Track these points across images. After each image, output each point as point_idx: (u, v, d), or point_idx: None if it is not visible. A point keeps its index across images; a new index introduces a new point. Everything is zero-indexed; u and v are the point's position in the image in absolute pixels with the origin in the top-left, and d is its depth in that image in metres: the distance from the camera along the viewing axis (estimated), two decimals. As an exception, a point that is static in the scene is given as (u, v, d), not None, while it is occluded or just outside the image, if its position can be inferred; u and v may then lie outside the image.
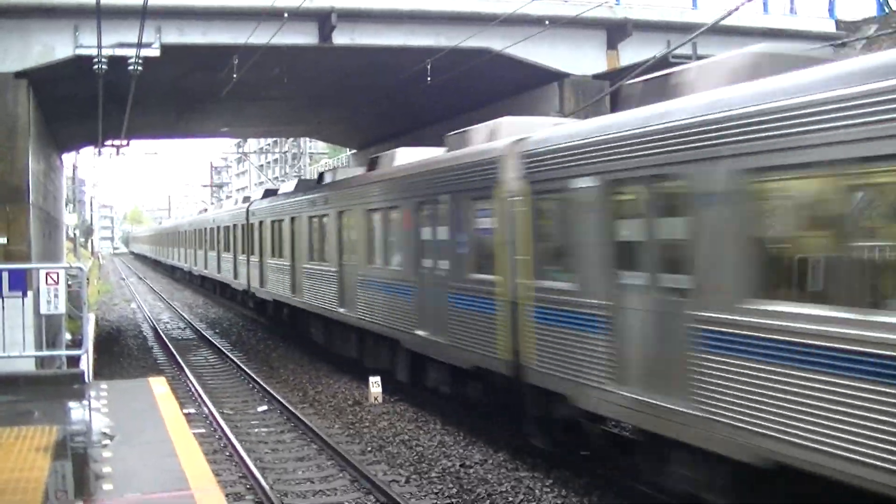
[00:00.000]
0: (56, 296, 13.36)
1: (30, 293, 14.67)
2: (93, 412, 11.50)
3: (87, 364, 14.23)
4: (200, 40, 22.85)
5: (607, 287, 11.41)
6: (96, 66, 21.14)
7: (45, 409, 11.75)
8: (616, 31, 24.70)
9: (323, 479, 14.10)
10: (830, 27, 27.14)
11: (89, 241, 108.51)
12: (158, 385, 13.49)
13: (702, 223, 9.77)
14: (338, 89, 30.45)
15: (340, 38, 23.22)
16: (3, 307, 13.11)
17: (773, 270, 9.26)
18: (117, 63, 21.45)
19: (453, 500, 12.80)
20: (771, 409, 8.71)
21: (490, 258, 14.78)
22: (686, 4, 26.39)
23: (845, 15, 28.30)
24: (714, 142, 9.53)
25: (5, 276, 13.02)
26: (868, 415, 7.71)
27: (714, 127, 9.53)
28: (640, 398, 10.72)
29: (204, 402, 19.82)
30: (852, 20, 28.18)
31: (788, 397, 8.51)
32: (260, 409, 19.74)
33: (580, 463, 13.67)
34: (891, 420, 7.50)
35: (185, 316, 41.88)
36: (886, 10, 28.91)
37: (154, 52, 21.86)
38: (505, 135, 15.03)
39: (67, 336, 26.78)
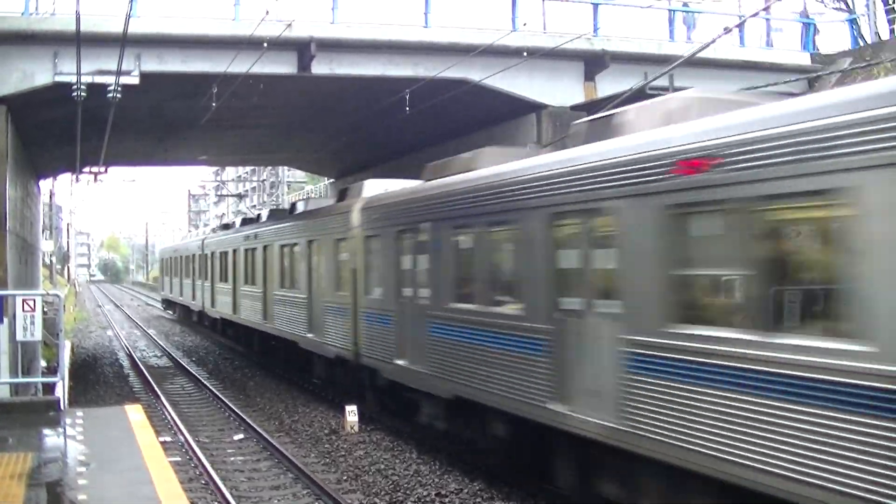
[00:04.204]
0: (32, 322, 13.36)
1: (6, 320, 14.65)
2: (68, 439, 11.49)
3: (62, 391, 14.21)
4: (180, 68, 22.91)
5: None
6: (75, 94, 21.15)
7: (20, 436, 11.72)
8: (594, 63, 24.87)
9: (299, 508, 14.09)
10: (806, 60, 27.42)
11: (66, 268, 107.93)
12: (134, 413, 13.49)
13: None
14: (316, 119, 30.54)
15: (319, 67, 23.32)
16: (-21, 334, 13.10)
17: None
18: (97, 90, 21.47)
19: (429, 529, 12.81)
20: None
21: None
22: (663, 37, 26.62)
23: (820, 48, 28.57)
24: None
25: (-19, 302, 13.01)
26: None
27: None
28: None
29: (180, 430, 19.76)
30: (827, 53, 28.45)
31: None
32: (236, 437, 19.69)
33: (557, 494, 13.70)
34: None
35: (162, 344, 41.72)
36: (860, 43, 29.25)
37: (133, 79, 21.90)
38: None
39: (43, 363, 26.71)
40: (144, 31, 21.30)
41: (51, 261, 70.89)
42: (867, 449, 7.61)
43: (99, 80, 21.48)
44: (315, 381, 25.33)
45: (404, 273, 17.73)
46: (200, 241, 44.78)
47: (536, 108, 24.64)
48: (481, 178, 14.67)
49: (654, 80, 19.88)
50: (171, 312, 61.29)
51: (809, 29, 28.30)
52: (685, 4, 28.13)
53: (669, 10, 26.88)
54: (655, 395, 10.02)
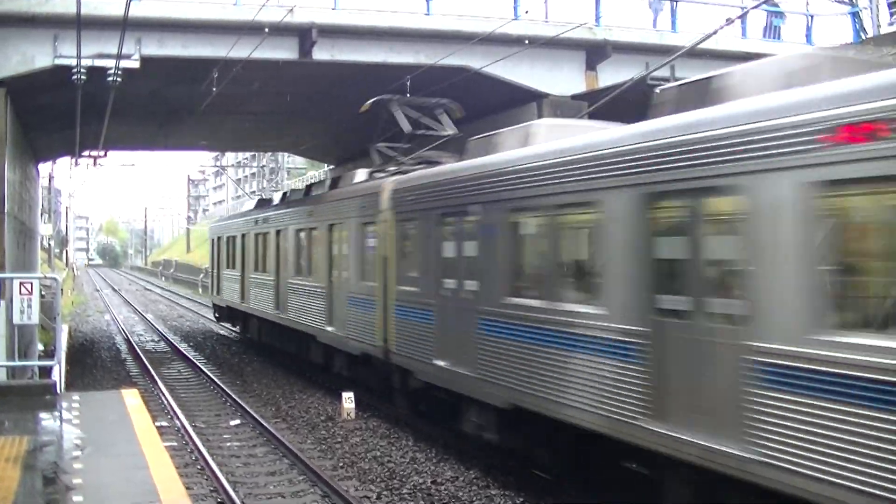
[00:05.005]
0: (29, 306, 13.34)
1: (2, 303, 14.63)
2: (64, 423, 11.48)
3: (59, 375, 14.21)
4: (181, 53, 22.85)
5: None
6: (75, 77, 21.09)
7: (16, 419, 11.71)
8: (595, 53, 24.81)
9: (294, 495, 14.08)
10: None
11: (64, 252, 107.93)
12: (131, 397, 13.47)
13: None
14: (317, 105, 30.49)
15: (320, 53, 23.27)
16: (-24, 316, 13.10)
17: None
18: (96, 74, 21.42)
19: (424, 517, 12.81)
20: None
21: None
22: (665, 27, 26.52)
23: (822, 41, 28.52)
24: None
25: (-21, 285, 13.00)
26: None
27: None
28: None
29: (176, 415, 19.75)
30: (829, 47, 28.37)
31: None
32: (232, 423, 19.69)
33: (551, 483, 13.71)
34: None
35: (159, 328, 41.72)
36: (862, 37, 29.16)
37: (134, 63, 21.84)
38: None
39: (40, 347, 26.73)
40: (145, 15, 21.22)
41: (49, 244, 70.87)
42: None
43: (99, 63, 21.43)
44: None
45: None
46: (353, 194, 20.77)
47: (537, 96, 24.58)
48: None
49: (656, 70, 19.91)
50: (230, 326, 38.74)
51: (778, 19, 28.19)
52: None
53: (672, 0, 26.76)
54: None
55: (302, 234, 24.99)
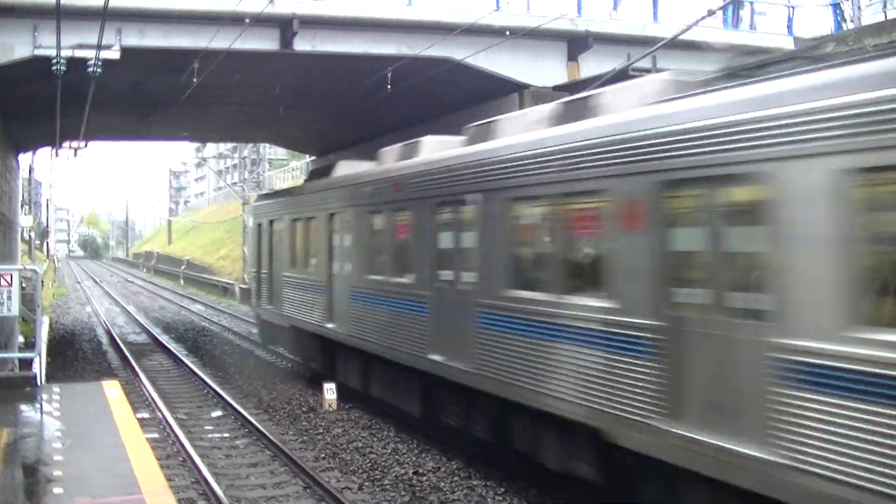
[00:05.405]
0: (9, 297, 13.27)
1: (-17, 295, 14.55)
2: (45, 415, 11.45)
3: (39, 367, 14.16)
4: (161, 43, 22.76)
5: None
6: (55, 68, 20.99)
7: (-4, 411, 11.67)
8: (577, 43, 24.84)
9: (276, 486, 14.08)
10: (789, 44, 27.43)
11: (45, 244, 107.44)
12: (112, 389, 13.45)
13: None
14: (298, 96, 30.43)
15: (301, 44, 23.20)
16: (-44, 308, 13.02)
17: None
18: (77, 64, 21.32)
19: (406, 508, 12.81)
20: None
21: None
22: (647, 18, 26.57)
23: (803, 32, 28.63)
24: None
25: (-42, 277, 12.93)
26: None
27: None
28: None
29: (158, 406, 19.70)
30: (810, 37, 28.48)
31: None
32: (214, 414, 19.66)
33: (533, 473, 13.73)
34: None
35: (140, 320, 41.58)
36: (843, 28, 29.26)
37: (114, 54, 21.74)
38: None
39: (20, 338, 26.60)
40: (125, 5, 21.12)
41: (30, 236, 70.55)
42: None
43: (79, 54, 21.32)
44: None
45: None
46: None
47: (519, 88, 24.59)
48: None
49: (637, 61, 19.90)
50: (286, 353, 26.21)
51: (738, 6, 28.29)
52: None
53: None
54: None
55: (541, 210, 12.24)
